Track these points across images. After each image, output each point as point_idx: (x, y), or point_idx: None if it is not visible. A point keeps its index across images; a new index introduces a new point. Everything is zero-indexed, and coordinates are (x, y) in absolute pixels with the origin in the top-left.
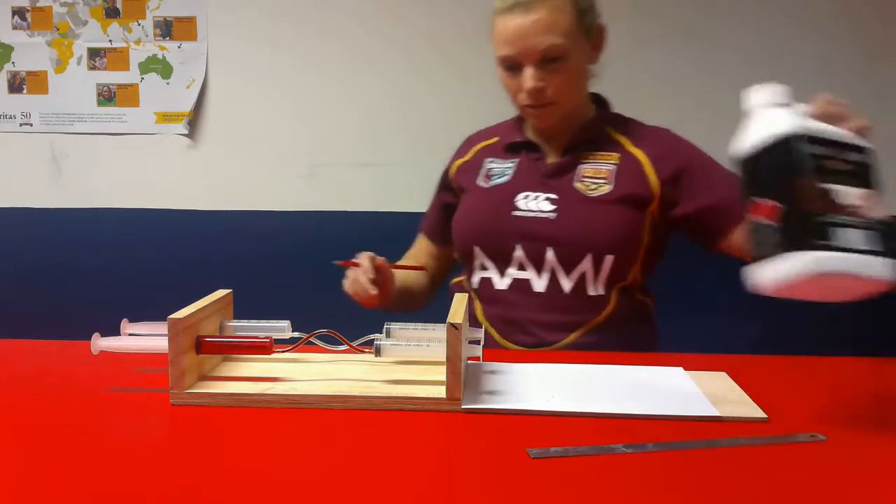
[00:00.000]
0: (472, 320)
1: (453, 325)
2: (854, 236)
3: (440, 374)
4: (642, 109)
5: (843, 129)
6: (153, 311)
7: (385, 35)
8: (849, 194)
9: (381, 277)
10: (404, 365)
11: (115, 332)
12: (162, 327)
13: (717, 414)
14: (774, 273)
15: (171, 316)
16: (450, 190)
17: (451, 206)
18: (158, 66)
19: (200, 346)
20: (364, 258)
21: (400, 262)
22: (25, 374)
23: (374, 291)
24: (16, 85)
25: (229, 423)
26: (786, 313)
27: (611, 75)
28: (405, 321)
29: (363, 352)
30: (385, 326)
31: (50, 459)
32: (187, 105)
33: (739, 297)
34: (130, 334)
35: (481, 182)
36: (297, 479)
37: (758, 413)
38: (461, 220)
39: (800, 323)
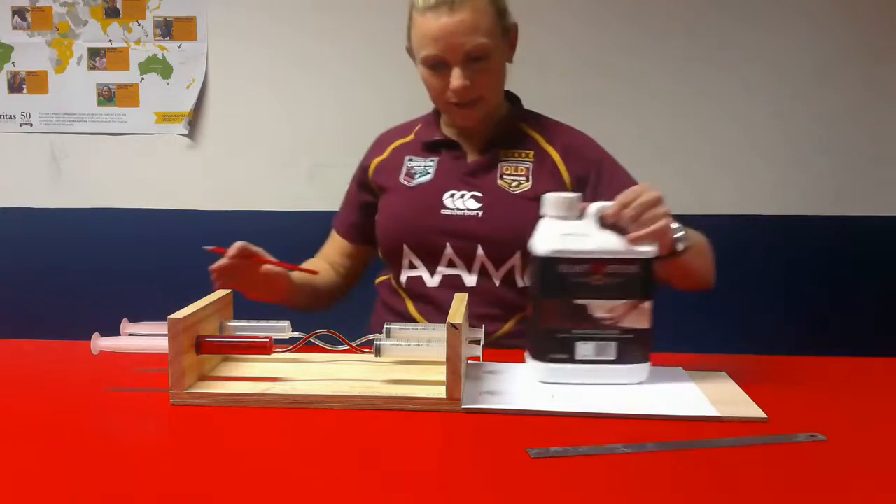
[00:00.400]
0: (405, 318)
1: (453, 325)
2: (589, 349)
3: (440, 374)
4: (644, 105)
5: (632, 230)
6: (153, 311)
7: (384, 36)
8: (601, 307)
9: (272, 273)
10: (404, 365)
11: (115, 332)
12: (162, 327)
13: (717, 414)
14: (536, 373)
15: (171, 316)
16: (368, 189)
17: (369, 205)
18: (158, 66)
19: (200, 346)
20: (234, 247)
21: (310, 261)
22: (25, 374)
23: (224, 262)
24: (16, 85)
25: (229, 423)
26: (786, 313)
27: (613, 71)
28: (405, 321)
29: (363, 352)
30: (385, 326)
31: (50, 459)
32: (187, 105)
33: (739, 297)
34: (130, 334)
35: (404, 181)
36: (297, 479)
37: (758, 413)
38: (387, 220)
39: (800, 323)
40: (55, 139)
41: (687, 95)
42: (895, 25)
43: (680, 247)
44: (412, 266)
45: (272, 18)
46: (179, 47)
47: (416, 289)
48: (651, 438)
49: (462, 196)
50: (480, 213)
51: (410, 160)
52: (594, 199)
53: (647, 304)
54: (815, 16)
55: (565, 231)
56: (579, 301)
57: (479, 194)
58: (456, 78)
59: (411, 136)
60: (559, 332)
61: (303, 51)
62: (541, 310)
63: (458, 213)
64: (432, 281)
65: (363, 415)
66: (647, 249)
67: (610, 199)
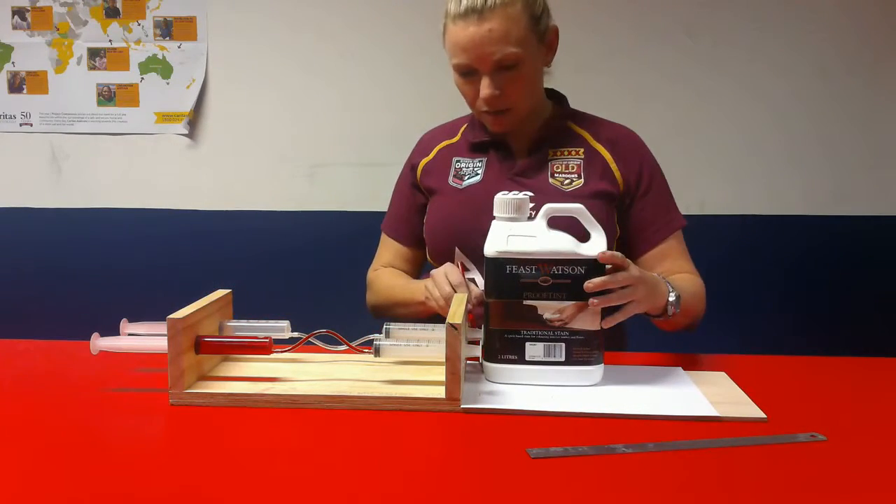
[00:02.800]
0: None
1: (452, 326)
2: (538, 350)
3: (439, 374)
4: (644, 105)
5: (591, 231)
6: (153, 311)
7: (384, 38)
8: (550, 308)
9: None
10: (403, 365)
11: (115, 332)
12: (161, 327)
13: (717, 414)
14: (487, 373)
15: (171, 316)
16: (419, 190)
17: (424, 207)
18: (158, 66)
19: (200, 346)
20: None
21: (382, 272)
22: (25, 374)
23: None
24: (16, 85)
25: (228, 423)
26: (786, 313)
27: (613, 71)
28: (404, 321)
29: (362, 352)
30: (384, 327)
31: (50, 459)
32: (187, 105)
33: (739, 297)
34: (130, 334)
35: (453, 182)
36: (297, 479)
37: (757, 413)
38: (439, 222)
39: (799, 323)
40: (55, 139)
41: (686, 96)
42: (895, 26)
43: (671, 310)
44: (465, 269)
45: (272, 18)
46: (179, 47)
47: None
48: (651, 438)
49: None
50: (534, 213)
51: (458, 161)
52: (632, 207)
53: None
54: (816, 16)
55: (513, 232)
56: (528, 302)
57: (531, 194)
58: (485, 87)
59: (457, 137)
60: (508, 332)
61: (303, 51)
62: (490, 310)
63: None
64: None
65: (363, 415)
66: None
67: (640, 210)
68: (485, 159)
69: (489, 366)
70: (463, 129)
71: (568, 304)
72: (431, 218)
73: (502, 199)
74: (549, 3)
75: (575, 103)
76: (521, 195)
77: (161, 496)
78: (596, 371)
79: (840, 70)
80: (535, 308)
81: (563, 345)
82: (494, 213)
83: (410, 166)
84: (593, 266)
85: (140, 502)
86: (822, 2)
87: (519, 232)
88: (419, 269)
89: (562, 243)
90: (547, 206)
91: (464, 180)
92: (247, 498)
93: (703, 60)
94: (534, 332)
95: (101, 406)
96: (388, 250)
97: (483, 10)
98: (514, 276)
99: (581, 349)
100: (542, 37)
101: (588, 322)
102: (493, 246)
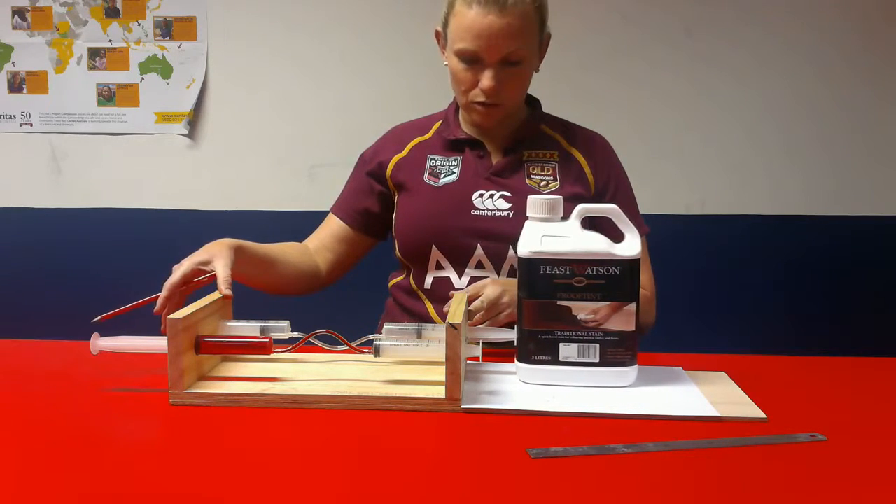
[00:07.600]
0: (425, 321)
1: (453, 326)
2: (572, 350)
3: (439, 374)
4: (644, 104)
5: (625, 231)
6: (153, 311)
7: (384, 38)
8: (585, 308)
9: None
10: (404, 365)
11: (115, 332)
12: None
13: (717, 414)
14: (520, 374)
15: (171, 316)
16: (383, 183)
17: (385, 197)
18: (158, 66)
19: (200, 346)
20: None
21: (291, 243)
22: (25, 374)
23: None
24: (16, 85)
25: (229, 423)
26: (786, 313)
27: (614, 70)
28: (405, 322)
29: (362, 352)
30: (385, 327)
31: (49, 459)
32: (187, 105)
33: (739, 297)
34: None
35: (429, 180)
36: (297, 479)
37: (757, 413)
38: (414, 220)
39: (800, 323)
40: (55, 139)
41: (687, 95)
42: (895, 25)
43: None
44: (440, 267)
45: (272, 19)
46: (179, 47)
47: (441, 290)
48: (651, 438)
49: (491, 196)
50: (511, 213)
51: (433, 159)
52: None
53: (631, 307)
54: (816, 15)
55: (547, 232)
56: (562, 302)
57: (508, 194)
58: (487, 78)
59: (430, 134)
60: (542, 333)
61: (302, 51)
62: (523, 310)
63: (489, 213)
64: (460, 283)
65: (363, 415)
66: (632, 251)
67: (610, 222)
68: (460, 158)
69: (522, 366)
70: (436, 126)
71: (602, 305)
72: (405, 215)
73: (536, 199)
74: (552, 2)
75: (575, 101)
76: (555, 196)
77: (161, 496)
78: (630, 372)
79: (840, 70)
80: (569, 308)
81: (598, 345)
82: (528, 213)
83: (379, 162)
84: (628, 266)
85: (140, 502)
86: (823, 2)
87: (552, 232)
88: (356, 256)
89: (596, 243)
90: (581, 207)
91: (440, 178)
92: (247, 498)
93: (703, 59)
94: (568, 333)
95: (101, 406)
96: (327, 226)
97: (506, 3)
98: (547, 277)
99: (615, 350)
100: (541, 42)
101: (622, 323)
102: (527, 246)
